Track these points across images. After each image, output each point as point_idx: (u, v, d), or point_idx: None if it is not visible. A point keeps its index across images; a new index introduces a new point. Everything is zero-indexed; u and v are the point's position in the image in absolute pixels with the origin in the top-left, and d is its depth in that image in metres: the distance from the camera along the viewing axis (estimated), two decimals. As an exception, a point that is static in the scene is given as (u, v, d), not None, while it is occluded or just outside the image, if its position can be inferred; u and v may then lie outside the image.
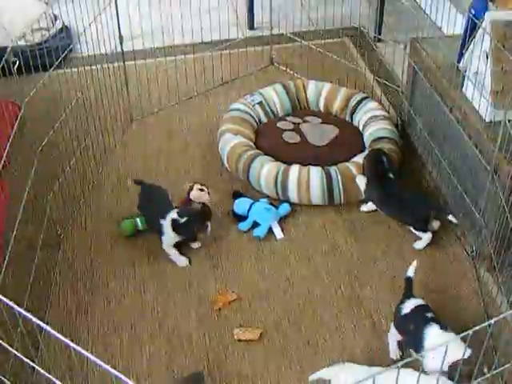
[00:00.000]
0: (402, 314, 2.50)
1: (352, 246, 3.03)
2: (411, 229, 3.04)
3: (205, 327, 2.69)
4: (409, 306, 2.50)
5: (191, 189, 3.03)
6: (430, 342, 2.35)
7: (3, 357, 2.38)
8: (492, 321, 1.51)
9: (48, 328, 1.58)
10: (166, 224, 2.90)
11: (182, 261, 2.96)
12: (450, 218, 2.98)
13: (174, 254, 2.96)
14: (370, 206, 3.16)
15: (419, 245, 3.02)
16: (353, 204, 3.21)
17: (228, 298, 2.80)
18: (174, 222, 2.90)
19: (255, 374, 2.51)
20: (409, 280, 2.61)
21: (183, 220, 2.89)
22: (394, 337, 2.56)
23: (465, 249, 3.00)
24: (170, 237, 2.93)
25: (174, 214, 2.90)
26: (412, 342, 2.44)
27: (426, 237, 3.01)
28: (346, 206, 3.22)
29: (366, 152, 3.21)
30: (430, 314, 2.46)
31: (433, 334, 2.36)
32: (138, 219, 3.04)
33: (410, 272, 2.62)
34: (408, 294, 2.57)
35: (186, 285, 2.87)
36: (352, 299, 2.79)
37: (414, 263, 2.63)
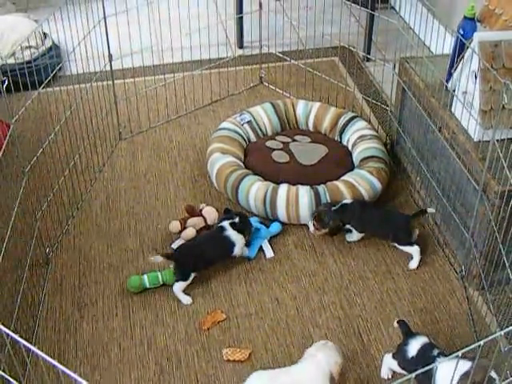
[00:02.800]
0: (408, 358, 2.45)
1: (341, 265, 3.03)
2: (396, 245, 3.05)
3: (194, 347, 2.68)
4: (415, 347, 2.44)
5: (204, 206, 3.24)
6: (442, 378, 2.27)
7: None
8: (481, 342, 1.50)
9: (35, 350, 1.56)
10: (231, 232, 2.97)
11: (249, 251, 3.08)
12: (429, 210, 3.04)
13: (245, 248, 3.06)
14: (354, 236, 3.15)
15: (413, 264, 3.02)
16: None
17: (217, 318, 2.79)
18: (234, 225, 2.99)
19: (244, 394, 2.50)
20: (402, 321, 2.59)
21: (237, 219, 3.01)
22: (388, 365, 2.54)
23: (454, 268, 3.00)
24: (240, 241, 3.00)
25: (226, 222, 3.01)
26: (422, 380, 2.38)
27: (415, 250, 3.02)
28: (335, 225, 3.22)
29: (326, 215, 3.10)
30: (435, 352, 2.40)
31: (442, 370, 2.27)
32: (145, 276, 2.90)
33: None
34: (408, 332, 2.53)
35: (175, 304, 2.85)
36: (341, 318, 2.79)
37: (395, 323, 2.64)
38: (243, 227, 3.01)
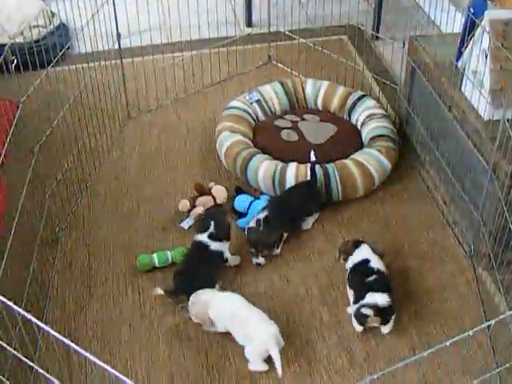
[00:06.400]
0: None
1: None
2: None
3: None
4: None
5: (214, 185, 3.23)
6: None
7: (1, 356, 2.35)
8: (492, 322, 1.50)
9: (47, 328, 1.57)
10: (214, 245, 2.83)
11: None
12: (312, 158, 3.13)
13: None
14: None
15: (309, 225, 3.13)
16: (351, 201, 3.21)
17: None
18: (212, 236, 2.84)
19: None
20: None
21: (212, 227, 2.85)
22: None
23: (463, 247, 3.00)
24: (225, 245, 2.89)
25: (204, 235, 2.85)
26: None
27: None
28: (343, 203, 3.22)
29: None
30: None
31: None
32: (154, 255, 2.91)
33: None
34: None
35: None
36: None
37: None
38: (221, 234, 2.87)
